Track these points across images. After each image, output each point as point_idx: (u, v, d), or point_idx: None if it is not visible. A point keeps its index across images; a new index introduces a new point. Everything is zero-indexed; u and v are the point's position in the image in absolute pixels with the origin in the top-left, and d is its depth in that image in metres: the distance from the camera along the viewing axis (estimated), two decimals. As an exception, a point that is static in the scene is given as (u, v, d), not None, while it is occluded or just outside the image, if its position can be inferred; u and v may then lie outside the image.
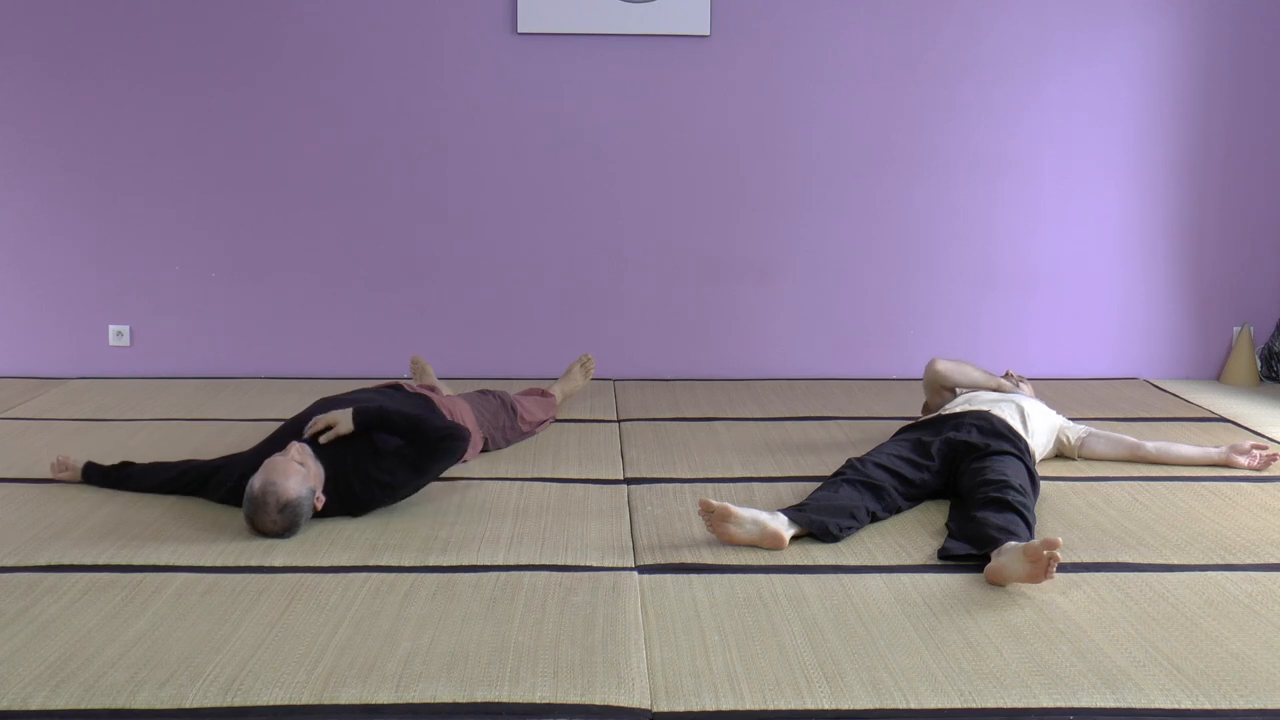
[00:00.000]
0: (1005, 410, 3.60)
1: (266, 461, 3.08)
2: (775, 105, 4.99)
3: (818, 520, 3.04)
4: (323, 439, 3.24)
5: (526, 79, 4.94)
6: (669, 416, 4.42)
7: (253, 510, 3.01)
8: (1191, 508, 3.36)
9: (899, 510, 3.27)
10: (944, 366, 3.87)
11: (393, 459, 3.23)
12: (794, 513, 3.05)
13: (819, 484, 3.34)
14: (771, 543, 2.96)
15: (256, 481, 3.02)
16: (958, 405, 3.73)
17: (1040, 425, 3.68)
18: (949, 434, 3.42)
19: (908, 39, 4.95)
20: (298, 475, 3.03)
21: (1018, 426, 3.54)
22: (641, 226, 5.07)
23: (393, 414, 3.27)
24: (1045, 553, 2.62)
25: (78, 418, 4.32)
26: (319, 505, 3.10)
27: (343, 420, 3.25)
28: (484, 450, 3.88)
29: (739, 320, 5.15)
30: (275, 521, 3.00)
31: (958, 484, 3.31)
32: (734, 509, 2.96)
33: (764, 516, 2.98)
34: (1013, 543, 2.77)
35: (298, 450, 3.11)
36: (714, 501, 2.98)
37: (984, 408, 3.60)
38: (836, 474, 3.32)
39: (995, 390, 3.85)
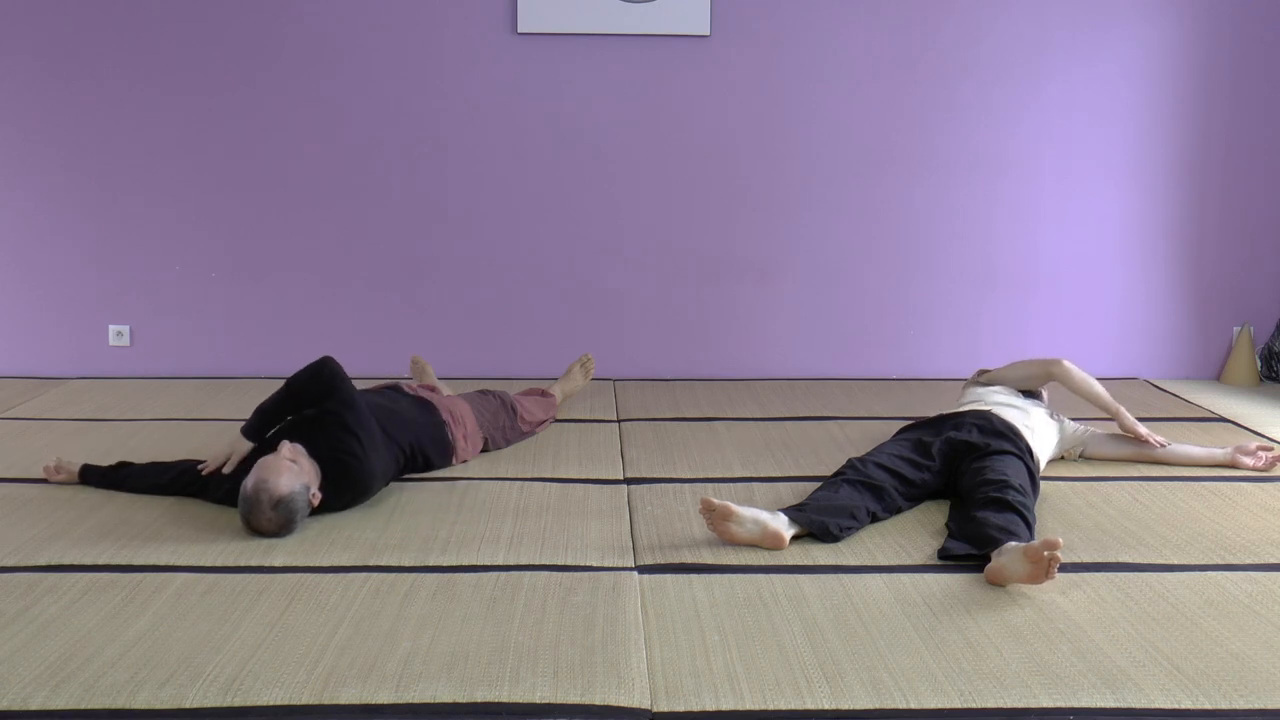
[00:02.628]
0: (1009, 413, 3.59)
1: (259, 461, 3.10)
2: (775, 105, 4.99)
3: (818, 520, 3.04)
4: (226, 468, 3.30)
5: (526, 79, 4.94)
6: (669, 416, 4.42)
7: (248, 510, 3.02)
8: (1191, 508, 3.36)
9: (899, 510, 3.27)
10: (1074, 368, 3.79)
11: (330, 430, 3.24)
12: (794, 513, 3.05)
13: (819, 484, 3.34)
14: (772, 542, 2.97)
15: (250, 481, 3.04)
16: (962, 404, 3.73)
17: (1046, 443, 3.64)
18: (949, 433, 3.42)
19: (908, 39, 4.95)
20: (290, 473, 3.04)
21: (1019, 426, 3.53)
22: (641, 226, 5.07)
23: (267, 404, 3.35)
24: (1046, 553, 2.62)
25: (78, 418, 4.32)
26: (315, 501, 3.10)
27: (235, 444, 3.32)
28: (484, 450, 3.88)
29: (739, 320, 5.15)
30: (270, 519, 3.00)
31: (958, 483, 3.31)
32: (735, 508, 2.96)
33: (764, 516, 2.98)
34: (1013, 543, 2.77)
35: (290, 449, 3.12)
36: (715, 500, 2.98)
37: (987, 407, 3.60)
38: (837, 474, 3.32)
39: (1109, 412, 3.80)
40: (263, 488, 3.00)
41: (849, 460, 3.38)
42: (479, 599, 2.66)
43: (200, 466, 3.36)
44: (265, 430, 3.35)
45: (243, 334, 5.07)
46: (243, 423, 3.36)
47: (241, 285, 5.05)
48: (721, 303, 5.13)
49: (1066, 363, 3.80)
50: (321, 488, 3.15)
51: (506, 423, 3.97)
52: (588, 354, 4.64)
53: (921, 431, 3.54)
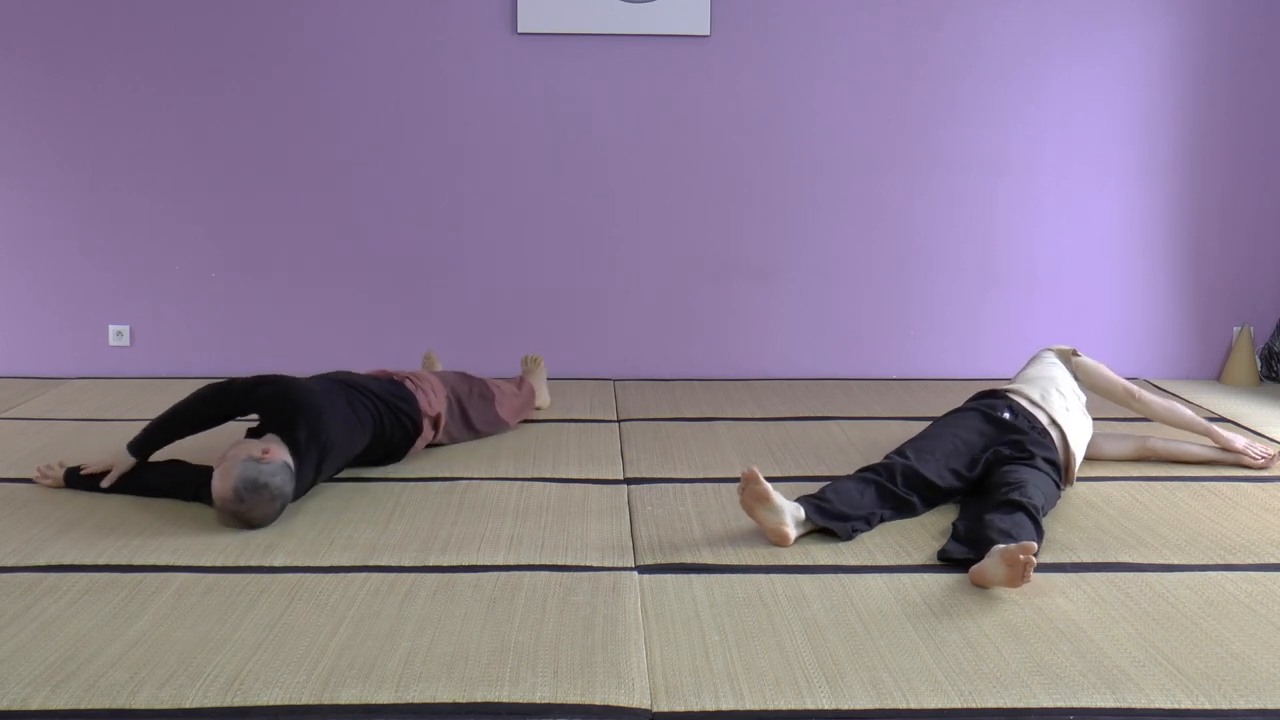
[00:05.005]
0: (1074, 428, 3.48)
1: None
2: (775, 105, 4.99)
3: (837, 522, 3.06)
4: (104, 483, 3.34)
5: (526, 79, 4.94)
6: (669, 416, 4.42)
7: (229, 521, 3.07)
8: (1191, 508, 3.36)
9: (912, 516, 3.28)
10: (1153, 400, 3.71)
11: (255, 408, 3.32)
12: (814, 511, 3.05)
13: (853, 471, 3.33)
14: (776, 539, 3.00)
15: (214, 501, 3.09)
16: (1034, 391, 3.56)
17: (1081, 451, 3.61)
18: (1002, 448, 3.34)
19: (908, 39, 4.95)
20: (223, 468, 3.06)
21: (1076, 453, 3.47)
22: (642, 226, 5.07)
23: (159, 421, 3.37)
24: (1022, 557, 2.62)
25: (78, 418, 4.32)
26: (267, 456, 3.08)
27: (118, 457, 3.36)
28: (460, 419, 3.90)
29: (739, 320, 5.15)
30: (247, 510, 3.03)
31: (983, 483, 3.30)
32: (773, 496, 2.98)
33: (786, 514, 2.99)
34: (999, 545, 2.76)
35: (222, 458, 3.13)
36: (762, 480, 2.98)
37: (1056, 423, 3.46)
38: (873, 471, 3.28)
39: (1201, 433, 3.75)
40: (219, 501, 3.05)
41: (892, 461, 3.30)
42: (479, 599, 2.66)
43: (82, 469, 3.40)
44: (149, 448, 3.37)
45: (243, 334, 5.07)
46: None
47: (241, 285, 5.05)
48: (721, 303, 5.13)
49: (1146, 397, 3.74)
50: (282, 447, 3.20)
51: (476, 388, 4.03)
52: (526, 355, 4.63)
53: (981, 429, 3.40)
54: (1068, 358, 3.79)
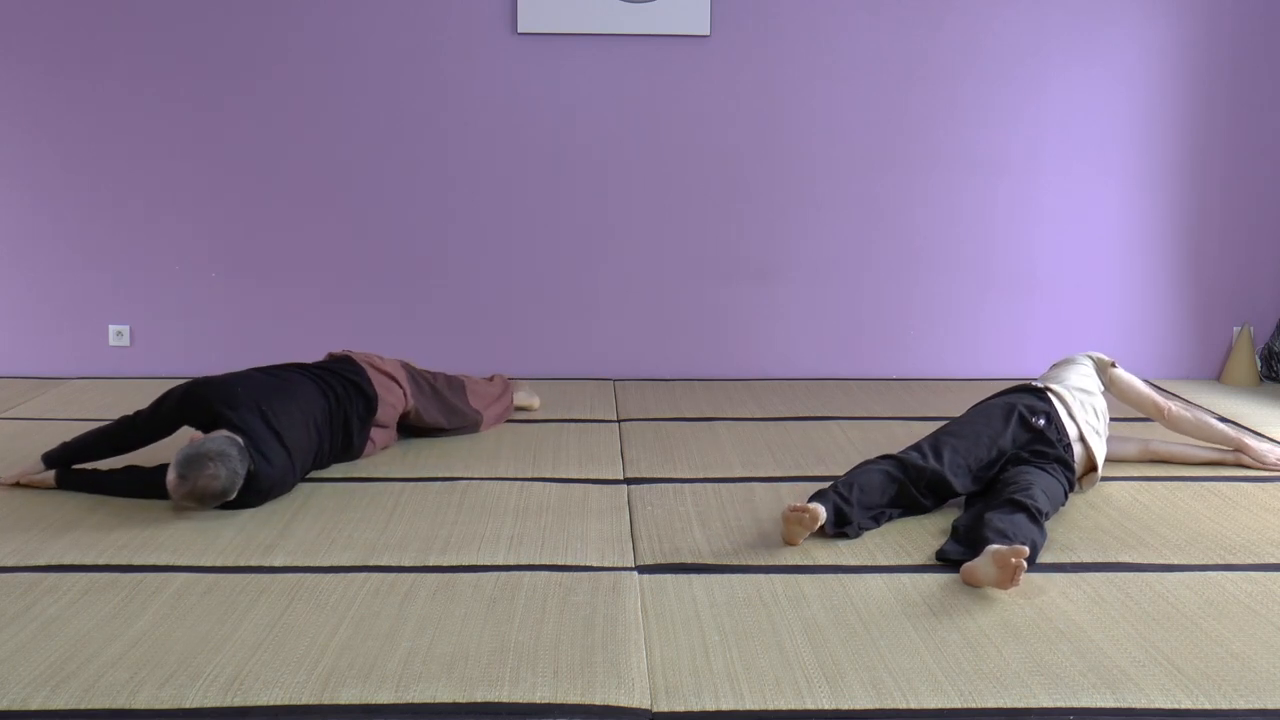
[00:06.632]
0: (1097, 444, 3.45)
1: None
2: (775, 105, 4.98)
3: (849, 527, 3.07)
4: (6, 479, 3.45)
5: (526, 79, 4.93)
6: (669, 416, 4.42)
7: (187, 500, 3.12)
8: (1191, 508, 3.36)
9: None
10: (1184, 415, 3.72)
11: (181, 420, 3.46)
12: (833, 521, 3.05)
13: (872, 460, 3.33)
14: (788, 542, 3.02)
15: (177, 498, 3.16)
16: (1074, 403, 3.49)
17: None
18: (1025, 452, 3.32)
19: (908, 39, 4.95)
20: (171, 467, 3.13)
21: (1098, 474, 3.47)
22: (641, 226, 5.07)
23: (79, 440, 3.46)
24: (1013, 560, 2.62)
25: (78, 418, 4.31)
26: (194, 436, 3.20)
27: (31, 463, 3.47)
28: (414, 393, 3.91)
29: (739, 320, 5.15)
30: (193, 480, 3.08)
31: (993, 480, 3.30)
32: (822, 518, 2.98)
33: (809, 532, 3.01)
34: (993, 545, 2.76)
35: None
36: (821, 522, 2.98)
37: (1080, 436, 3.42)
38: (901, 468, 3.24)
39: (1233, 446, 3.74)
40: (171, 491, 3.12)
41: (925, 462, 3.24)
42: (479, 599, 2.66)
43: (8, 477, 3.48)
44: (65, 461, 3.43)
45: (243, 334, 5.07)
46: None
47: (241, 285, 5.04)
48: (721, 303, 5.13)
49: (1177, 413, 3.73)
50: (273, 453, 3.29)
51: (443, 377, 4.07)
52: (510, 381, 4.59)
53: (1016, 435, 3.35)
54: (1105, 369, 3.73)
